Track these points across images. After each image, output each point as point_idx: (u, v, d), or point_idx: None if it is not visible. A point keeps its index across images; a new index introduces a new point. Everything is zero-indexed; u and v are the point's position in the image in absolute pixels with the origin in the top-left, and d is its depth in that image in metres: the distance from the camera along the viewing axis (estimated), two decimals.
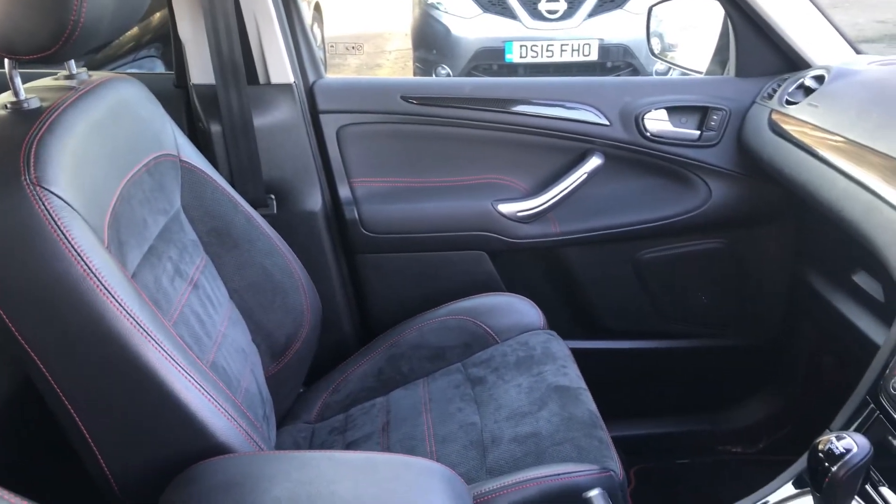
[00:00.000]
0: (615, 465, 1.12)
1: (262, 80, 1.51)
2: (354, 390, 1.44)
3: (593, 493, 0.98)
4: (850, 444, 0.82)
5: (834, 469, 0.81)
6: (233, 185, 1.31)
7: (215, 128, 1.47)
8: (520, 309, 1.50)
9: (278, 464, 0.87)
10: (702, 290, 1.74)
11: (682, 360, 1.79)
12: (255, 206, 1.36)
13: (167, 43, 1.93)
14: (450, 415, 1.30)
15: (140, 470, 0.90)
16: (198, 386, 0.89)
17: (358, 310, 1.69)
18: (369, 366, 1.47)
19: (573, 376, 1.33)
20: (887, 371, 0.98)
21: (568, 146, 1.60)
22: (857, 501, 0.95)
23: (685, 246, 1.69)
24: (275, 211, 1.52)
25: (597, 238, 1.65)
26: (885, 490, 0.95)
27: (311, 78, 1.61)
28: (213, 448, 0.89)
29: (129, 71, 2.20)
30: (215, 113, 1.46)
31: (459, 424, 1.27)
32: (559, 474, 1.05)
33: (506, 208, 1.60)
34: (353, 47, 5.92)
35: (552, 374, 1.33)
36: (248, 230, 1.28)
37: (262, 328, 1.31)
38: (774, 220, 1.67)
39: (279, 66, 1.50)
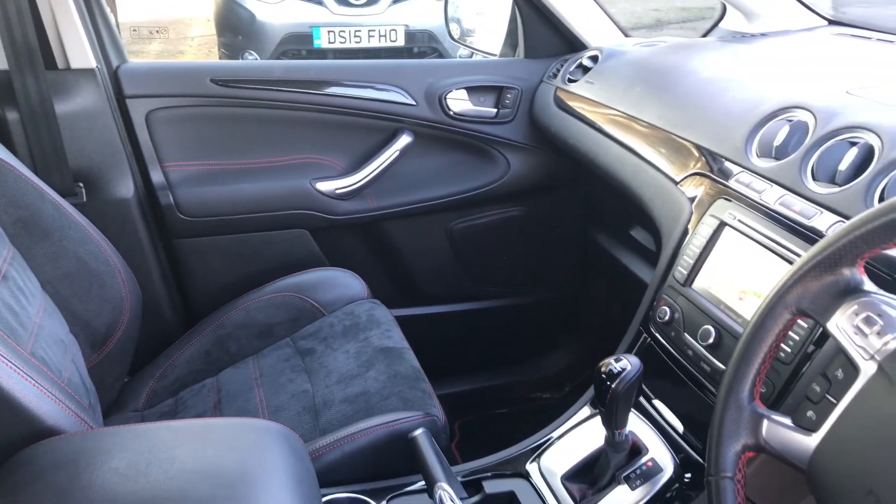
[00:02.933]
0: (438, 411, 1.23)
1: (60, 64, 1.45)
2: (182, 374, 1.44)
3: (417, 431, 1.08)
4: (625, 364, 0.97)
5: (613, 385, 0.97)
6: (37, 175, 1.27)
7: (12, 115, 1.40)
8: (344, 282, 1.57)
9: (113, 438, 0.88)
10: (507, 254, 1.90)
11: (495, 319, 1.96)
12: (63, 195, 1.31)
13: None
14: (281, 386, 1.35)
15: None
16: (20, 371, 0.88)
17: (180, 296, 1.68)
18: (196, 348, 1.48)
19: (397, 338, 1.42)
20: (653, 304, 1.16)
21: (379, 125, 1.69)
22: (635, 413, 1.13)
23: (491, 215, 1.85)
24: (84, 199, 1.47)
25: (412, 211, 1.75)
26: (656, 402, 1.14)
27: (115, 62, 1.57)
28: (42, 431, 0.88)
29: None
30: (11, 100, 1.39)
31: (291, 394, 1.32)
32: (387, 423, 1.14)
33: (324, 186, 1.66)
34: (158, 31, 5.63)
35: (377, 338, 1.42)
36: (58, 219, 1.24)
37: (80, 318, 1.29)
38: (566, 187, 1.86)
39: (78, 50, 1.45)
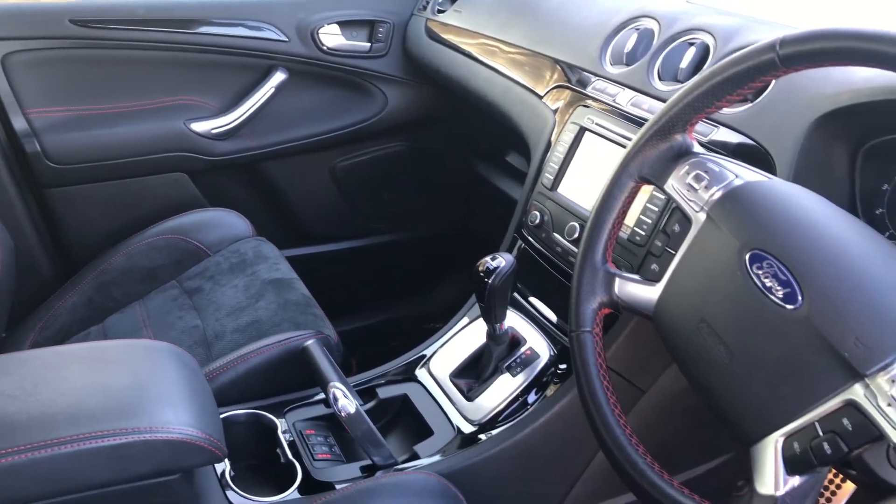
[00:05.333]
0: (330, 331, 1.27)
1: None
2: (66, 323, 1.41)
3: (309, 342, 1.12)
4: (500, 261, 1.05)
5: (490, 281, 1.03)
6: None
7: None
8: (228, 221, 1.56)
9: None
10: (392, 189, 1.94)
11: (384, 254, 2.00)
12: None
13: None
14: (170, 324, 1.34)
15: None
16: None
17: (55, 247, 1.63)
18: (78, 297, 1.44)
19: (285, 270, 1.44)
20: (526, 210, 1.24)
21: (252, 63, 1.67)
22: (513, 310, 1.21)
23: (373, 151, 1.88)
24: None
25: (292, 149, 1.76)
26: (532, 299, 1.22)
27: None
28: None
29: None
30: None
31: (182, 330, 1.32)
32: (279, 341, 1.16)
33: (199, 127, 1.63)
34: None
35: (265, 271, 1.43)
36: None
37: None
38: (446, 119, 1.91)
39: None
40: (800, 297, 0.62)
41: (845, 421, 0.57)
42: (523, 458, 1.07)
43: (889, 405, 0.55)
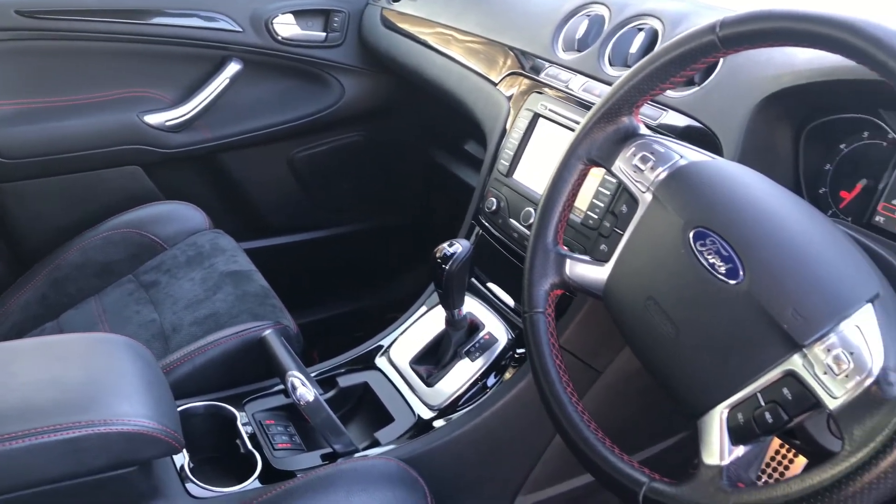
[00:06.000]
0: (289, 321, 1.26)
1: None
2: (19, 321, 1.38)
3: (267, 332, 1.11)
4: (457, 247, 1.05)
5: (447, 266, 1.04)
6: None
7: None
8: (184, 214, 1.55)
9: None
10: (351, 180, 1.94)
11: (345, 245, 1.99)
12: None
13: None
14: (127, 318, 1.33)
15: None
16: None
17: (7, 243, 1.59)
18: (31, 294, 1.42)
19: (243, 262, 1.43)
20: (482, 197, 1.25)
21: (205, 54, 1.65)
22: (472, 296, 1.22)
23: (331, 141, 1.87)
24: None
25: (249, 140, 1.74)
26: (490, 284, 1.23)
27: None
28: None
29: None
30: None
31: (139, 324, 1.31)
32: (237, 332, 1.15)
33: (153, 119, 1.61)
34: None
35: (223, 263, 1.42)
36: None
37: None
38: (403, 109, 1.91)
39: None
40: (741, 273, 0.64)
41: (785, 391, 0.59)
42: (483, 442, 1.08)
43: (825, 373, 0.57)
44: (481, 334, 1.15)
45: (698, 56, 0.70)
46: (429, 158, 1.94)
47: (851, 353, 0.56)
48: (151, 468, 0.92)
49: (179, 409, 1.03)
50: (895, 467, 0.50)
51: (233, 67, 1.66)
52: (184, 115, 1.64)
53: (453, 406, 1.10)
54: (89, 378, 0.86)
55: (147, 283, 1.41)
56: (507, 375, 1.11)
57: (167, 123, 1.63)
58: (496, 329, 1.16)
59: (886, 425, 0.51)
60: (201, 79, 1.67)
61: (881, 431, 0.51)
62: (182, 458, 0.98)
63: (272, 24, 1.68)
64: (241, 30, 1.66)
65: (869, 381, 0.55)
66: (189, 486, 0.95)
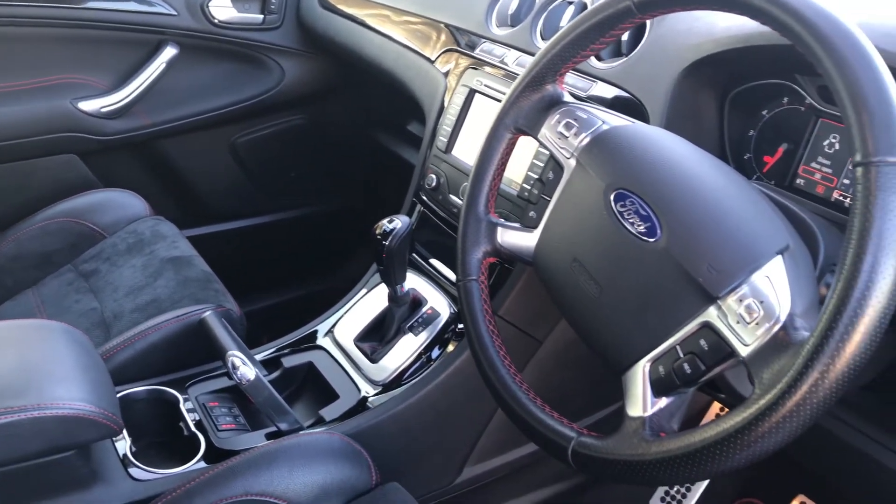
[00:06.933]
0: (232, 304, 1.26)
1: None
2: None
3: (207, 313, 1.11)
4: (396, 223, 1.06)
5: (387, 243, 1.05)
6: None
7: None
8: (123, 202, 1.52)
9: None
10: (295, 164, 1.92)
11: (291, 231, 1.98)
12: None
13: None
14: (66, 308, 1.31)
15: None
16: None
17: None
18: None
19: (184, 248, 1.42)
20: (423, 174, 1.26)
21: (140, 39, 1.62)
22: (414, 272, 1.23)
23: (272, 125, 1.85)
24: None
25: (188, 126, 1.72)
26: (432, 260, 1.24)
27: None
28: None
29: None
30: None
31: (79, 313, 1.29)
32: (178, 316, 1.14)
33: (87, 106, 1.57)
34: None
35: (164, 249, 1.40)
36: None
37: None
38: (344, 90, 1.90)
39: None
40: (659, 231, 0.66)
41: (702, 342, 0.62)
42: (427, 414, 1.09)
43: (738, 322, 0.59)
44: (424, 309, 1.17)
45: (615, 22, 0.71)
46: (372, 140, 1.94)
47: (762, 302, 0.59)
48: (91, 453, 0.91)
49: (120, 394, 1.03)
50: (800, 406, 0.53)
51: (169, 52, 1.63)
52: (120, 101, 1.60)
53: (398, 380, 1.12)
54: (23, 363, 0.85)
55: (87, 272, 1.39)
56: (451, 348, 1.12)
57: (103, 110, 1.59)
58: (438, 303, 1.17)
59: (791, 367, 0.53)
60: (137, 64, 1.64)
61: (786, 373, 0.54)
62: (124, 444, 0.97)
63: (208, 7, 1.65)
64: (175, 13, 1.63)
65: (777, 328, 0.58)
66: (132, 469, 0.94)
